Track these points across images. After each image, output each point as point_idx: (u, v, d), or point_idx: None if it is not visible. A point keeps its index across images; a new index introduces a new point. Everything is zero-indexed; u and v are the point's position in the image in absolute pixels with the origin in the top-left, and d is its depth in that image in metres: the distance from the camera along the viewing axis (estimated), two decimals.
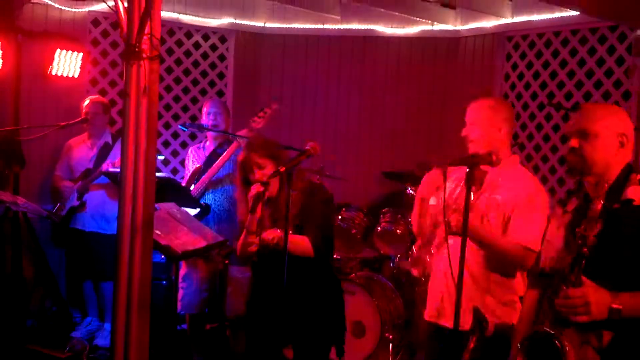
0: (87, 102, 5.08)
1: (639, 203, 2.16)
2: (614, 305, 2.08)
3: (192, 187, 4.48)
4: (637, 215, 2.15)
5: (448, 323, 2.82)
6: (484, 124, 2.94)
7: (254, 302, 3.44)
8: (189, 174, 4.62)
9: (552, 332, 2.16)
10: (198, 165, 4.58)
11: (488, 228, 2.85)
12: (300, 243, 3.20)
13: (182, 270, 4.39)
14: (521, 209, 2.82)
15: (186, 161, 4.82)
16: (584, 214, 2.29)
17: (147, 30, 2.74)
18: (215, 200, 4.50)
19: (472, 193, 2.86)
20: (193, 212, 4.23)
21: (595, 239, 2.16)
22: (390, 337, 4.95)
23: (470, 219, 2.58)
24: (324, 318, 3.34)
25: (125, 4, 2.78)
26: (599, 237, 2.16)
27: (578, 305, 2.08)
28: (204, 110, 4.72)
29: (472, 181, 2.57)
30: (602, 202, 2.17)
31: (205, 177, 4.45)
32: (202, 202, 4.44)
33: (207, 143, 4.74)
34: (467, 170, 2.59)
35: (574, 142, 2.28)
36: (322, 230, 3.26)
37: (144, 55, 2.76)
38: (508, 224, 2.84)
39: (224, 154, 4.41)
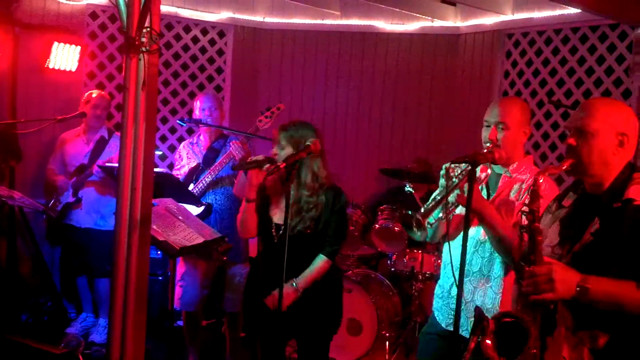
0: (94, 94, 4.97)
1: None
2: (582, 284, 2.04)
3: (191, 186, 4.33)
4: (637, 214, 2.10)
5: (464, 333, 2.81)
6: (514, 125, 2.81)
7: (254, 294, 3.42)
8: (185, 171, 4.43)
9: (517, 315, 2.14)
10: (195, 163, 4.42)
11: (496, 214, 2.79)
12: (317, 275, 3.29)
13: (182, 268, 4.30)
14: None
15: (177, 157, 4.60)
16: (580, 209, 2.27)
17: (146, 23, 2.72)
18: (216, 199, 4.35)
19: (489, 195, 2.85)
20: (196, 211, 4.14)
21: (592, 237, 2.15)
22: (387, 334, 4.93)
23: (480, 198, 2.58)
24: (326, 311, 3.36)
25: None
26: (596, 235, 2.14)
27: (542, 282, 2.06)
28: (198, 105, 4.47)
29: (474, 179, 2.54)
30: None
31: (206, 177, 4.31)
32: (203, 202, 4.34)
33: (202, 138, 4.52)
34: (469, 168, 2.55)
35: (571, 141, 2.22)
36: (338, 240, 3.34)
37: (144, 49, 2.73)
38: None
39: (227, 153, 4.24)
